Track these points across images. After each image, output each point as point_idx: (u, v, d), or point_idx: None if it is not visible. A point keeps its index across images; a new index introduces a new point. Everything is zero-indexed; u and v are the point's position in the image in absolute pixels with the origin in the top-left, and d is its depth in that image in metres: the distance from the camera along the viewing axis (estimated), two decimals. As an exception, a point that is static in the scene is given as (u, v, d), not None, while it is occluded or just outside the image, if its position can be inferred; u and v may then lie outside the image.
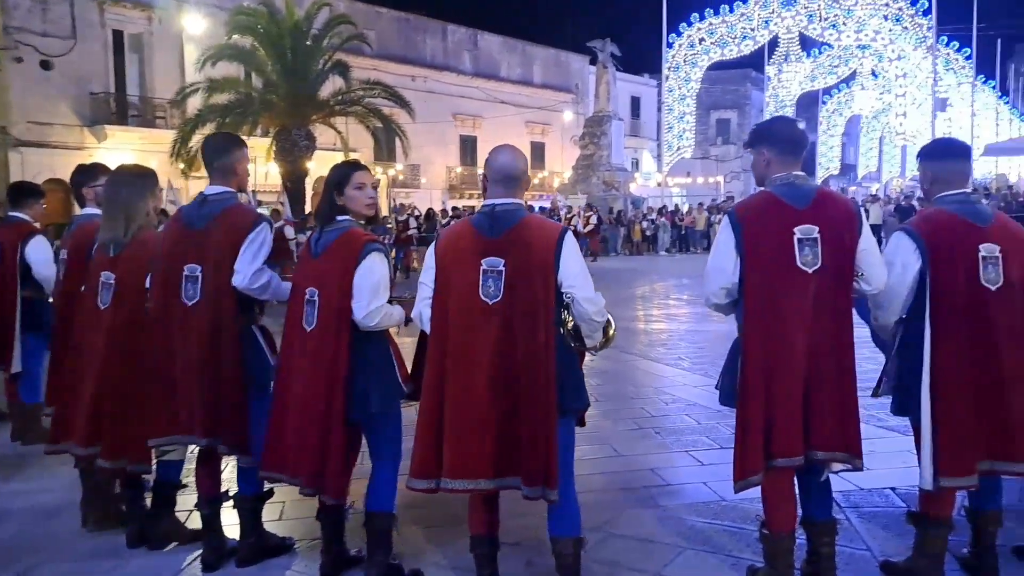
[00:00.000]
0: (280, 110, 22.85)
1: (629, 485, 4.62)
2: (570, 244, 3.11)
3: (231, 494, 3.77)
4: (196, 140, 22.25)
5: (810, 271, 3.07)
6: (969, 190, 3.39)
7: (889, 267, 3.28)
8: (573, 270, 3.09)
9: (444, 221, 24.68)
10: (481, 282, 3.07)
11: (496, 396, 3.04)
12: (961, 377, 3.19)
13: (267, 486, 3.70)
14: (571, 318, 3.16)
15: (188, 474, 4.07)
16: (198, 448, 3.70)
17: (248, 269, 3.52)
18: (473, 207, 28.56)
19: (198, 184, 26.56)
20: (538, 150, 41.38)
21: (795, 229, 3.08)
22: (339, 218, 3.45)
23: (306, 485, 3.35)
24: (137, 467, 3.84)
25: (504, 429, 3.04)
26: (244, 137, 18.39)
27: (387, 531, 3.46)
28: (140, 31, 26.71)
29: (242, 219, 3.61)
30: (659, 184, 38.31)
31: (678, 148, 36.53)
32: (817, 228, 3.08)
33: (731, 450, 5.10)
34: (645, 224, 30.39)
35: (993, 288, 3.20)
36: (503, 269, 3.06)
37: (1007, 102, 52.33)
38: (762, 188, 3.29)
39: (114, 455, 3.79)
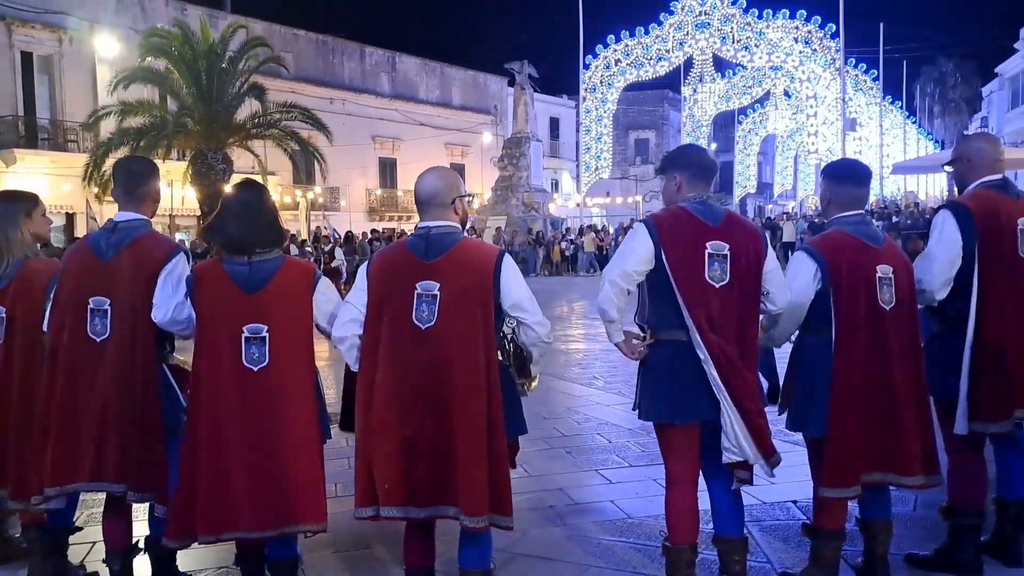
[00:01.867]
0: (196, 133, 22.41)
1: (537, 505, 4.57)
2: (509, 267, 3.09)
3: (140, 544, 3.52)
4: (110, 164, 21.65)
5: (717, 286, 3.10)
6: (863, 211, 3.48)
7: (790, 282, 3.34)
8: (518, 294, 3.08)
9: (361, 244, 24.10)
10: (415, 306, 3.01)
11: (432, 423, 2.97)
12: (855, 393, 3.25)
13: None
14: (510, 346, 3.17)
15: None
16: (104, 496, 3.44)
17: (169, 303, 3.23)
18: (393, 229, 28.40)
19: (112, 209, 25.83)
20: (458, 171, 41.08)
21: (707, 244, 3.13)
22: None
23: (310, 522, 3.10)
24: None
25: (439, 456, 2.97)
26: (159, 161, 17.91)
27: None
28: (50, 52, 25.86)
29: (156, 249, 3.37)
30: (578, 205, 38.71)
31: (596, 168, 37.01)
32: (728, 245, 3.13)
33: (639, 468, 5.25)
34: (564, 244, 30.60)
35: (888, 308, 3.30)
36: (438, 293, 3.01)
37: (914, 122, 54.64)
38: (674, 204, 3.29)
39: (20, 495, 3.49)
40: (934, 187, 47.15)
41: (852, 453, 3.24)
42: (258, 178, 24.24)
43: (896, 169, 34.69)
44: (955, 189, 4.02)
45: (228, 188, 21.23)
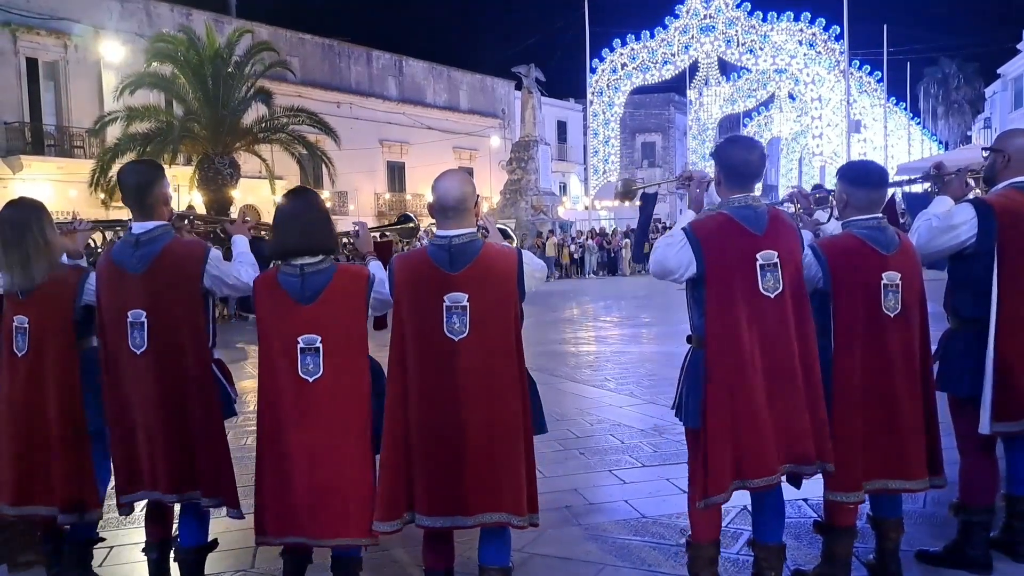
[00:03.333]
0: (202, 138, 22.49)
1: (552, 506, 4.62)
2: (527, 263, 3.14)
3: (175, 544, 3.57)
4: (116, 169, 21.72)
5: (772, 296, 3.12)
6: (880, 215, 3.41)
7: None
8: (536, 277, 3.18)
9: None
10: (445, 319, 3.02)
11: (473, 432, 3.00)
12: (855, 398, 3.29)
13: (211, 537, 3.56)
14: None
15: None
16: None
17: (243, 267, 3.43)
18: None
19: (118, 215, 26.04)
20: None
21: (757, 255, 3.12)
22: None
23: (358, 536, 3.12)
24: (71, 517, 3.54)
25: (483, 464, 3.00)
26: (165, 166, 17.92)
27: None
28: (55, 59, 25.98)
29: (189, 258, 3.38)
30: (587, 207, 38.80)
31: (604, 172, 37.14)
32: (776, 253, 3.13)
33: (652, 468, 5.32)
34: (573, 247, 30.65)
35: (892, 315, 3.30)
36: (467, 304, 3.01)
37: (918, 123, 54.64)
38: (718, 210, 3.26)
39: (72, 509, 3.51)
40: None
41: (853, 458, 3.28)
42: (265, 183, 24.50)
43: (901, 170, 34.69)
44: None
45: (235, 192, 21.26)
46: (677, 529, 4.14)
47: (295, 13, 44.45)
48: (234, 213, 24.92)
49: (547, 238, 30.49)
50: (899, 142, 46.77)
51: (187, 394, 3.34)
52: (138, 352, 3.33)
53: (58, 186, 24.94)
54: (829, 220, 3.89)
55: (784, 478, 3.24)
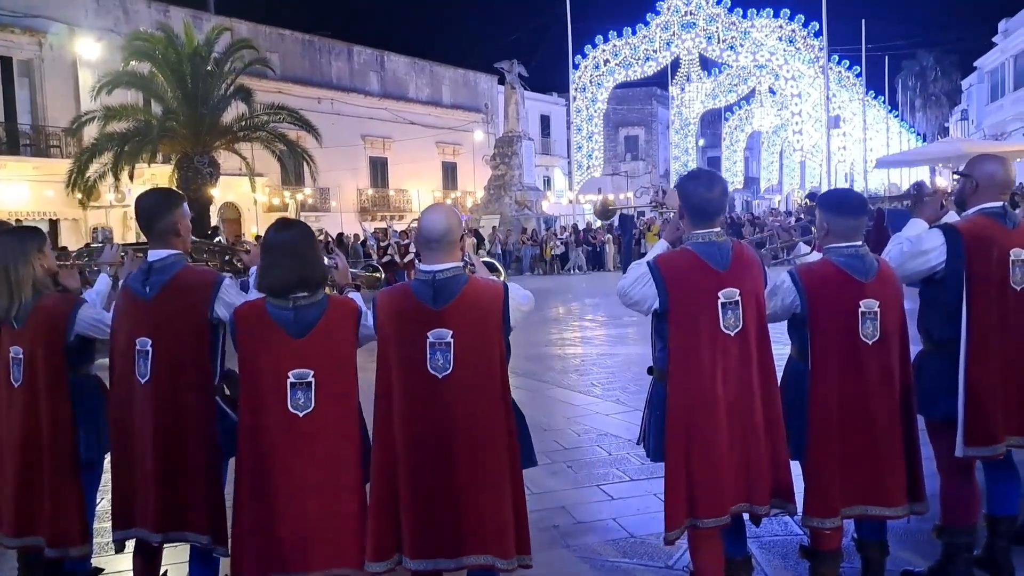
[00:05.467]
0: (181, 137, 22.36)
1: (541, 525, 4.63)
2: (513, 297, 3.13)
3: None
4: (93, 169, 21.61)
5: (732, 333, 3.15)
6: (859, 243, 3.45)
7: (770, 297, 3.43)
8: (522, 310, 3.17)
9: (386, 243, 23.86)
10: (429, 356, 3.00)
11: (457, 472, 2.99)
12: (831, 425, 3.34)
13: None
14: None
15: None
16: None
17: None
18: (385, 229, 28.25)
19: (96, 215, 25.83)
20: (450, 170, 41.48)
21: (719, 293, 3.15)
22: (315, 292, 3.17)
23: (351, 566, 3.06)
24: (58, 551, 3.52)
25: (467, 505, 2.99)
26: (144, 165, 17.70)
27: None
28: (30, 57, 25.62)
29: (199, 286, 3.35)
30: (571, 202, 38.85)
31: (588, 167, 37.21)
32: (738, 291, 3.17)
33: (639, 482, 5.35)
34: (557, 243, 30.54)
35: (870, 342, 3.34)
36: (451, 341, 2.99)
37: (896, 115, 55.05)
38: (683, 246, 3.32)
39: (60, 543, 3.49)
40: (917, 179, 47.53)
41: (830, 486, 3.34)
42: (245, 180, 24.30)
43: (880, 163, 35.01)
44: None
45: (215, 191, 20.99)
46: (665, 550, 4.15)
47: (275, 8, 44.26)
48: (214, 212, 24.83)
49: (544, 238, 30.25)
50: (877, 135, 47.10)
51: (185, 428, 3.29)
52: (142, 381, 3.30)
53: (34, 186, 24.71)
54: (812, 252, 3.93)
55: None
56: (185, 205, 3.52)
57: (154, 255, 3.39)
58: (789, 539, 4.25)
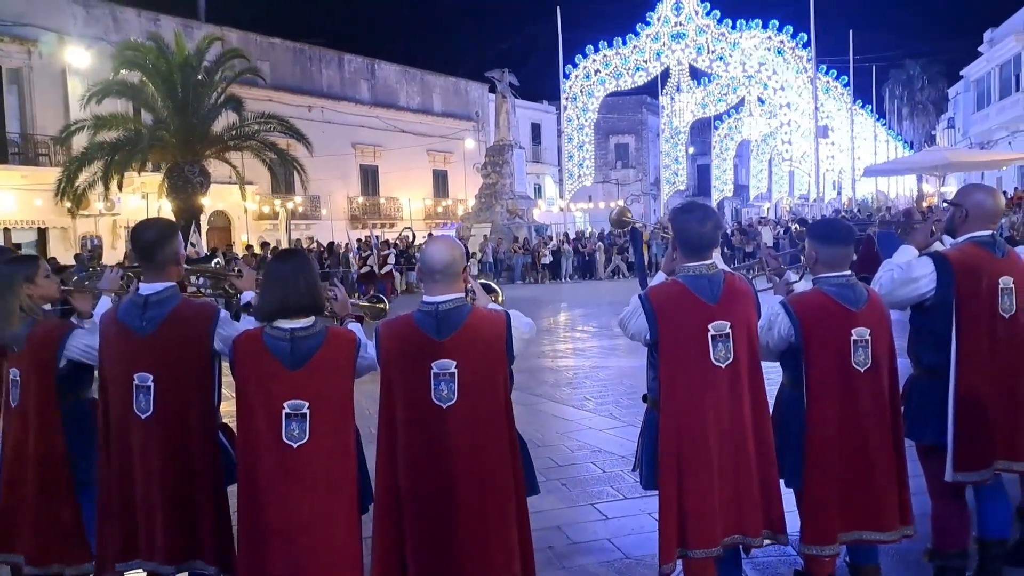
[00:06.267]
0: (172, 146, 22.36)
1: (536, 546, 4.58)
2: (516, 326, 3.16)
3: None
4: (83, 178, 21.55)
5: (723, 366, 3.19)
6: (848, 272, 3.51)
7: (767, 332, 3.49)
8: (524, 339, 3.21)
9: (367, 253, 23.81)
10: (433, 386, 3.01)
11: (461, 503, 3.00)
12: (828, 453, 3.39)
13: None
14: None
15: None
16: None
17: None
18: (377, 236, 28.24)
19: (85, 223, 25.73)
20: (440, 178, 41.49)
21: (709, 326, 3.19)
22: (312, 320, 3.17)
23: None
24: (33, 569, 3.55)
25: (473, 536, 3.00)
26: (134, 174, 17.58)
27: None
28: (19, 65, 25.53)
29: (200, 314, 3.38)
30: (562, 210, 38.93)
31: (579, 175, 37.31)
32: (729, 323, 3.21)
33: (633, 500, 5.37)
34: (547, 251, 30.31)
35: (862, 370, 3.41)
36: (455, 371, 3.01)
37: (884, 124, 55.40)
38: (673, 278, 3.37)
39: (42, 560, 3.54)
40: (904, 188, 47.86)
41: (828, 513, 3.39)
42: (235, 188, 24.26)
43: (868, 172, 35.23)
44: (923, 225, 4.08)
45: (205, 200, 20.81)
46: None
47: (266, 17, 44.20)
48: (204, 221, 24.65)
49: (536, 247, 30.14)
50: (865, 143, 47.39)
51: (192, 461, 3.32)
52: (143, 416, 3.30)
53: (23, 195, 24.60)
54: (801, 279, 3.98)
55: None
56: (180, 235, 3.56)
57: (149, 288, 3.40)
58: (783, 560, 4.28)
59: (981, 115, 37.51)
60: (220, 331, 3.36)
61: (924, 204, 28.40)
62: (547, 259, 29.54)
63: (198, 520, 3.30)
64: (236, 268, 3.89)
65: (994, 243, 3.69)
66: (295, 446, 3.04)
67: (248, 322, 3.46)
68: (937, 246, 3.91)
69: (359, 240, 26.22)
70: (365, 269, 22.48)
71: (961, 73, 42.61)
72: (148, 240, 3.43)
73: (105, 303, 3.90)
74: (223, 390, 3.55)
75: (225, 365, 3.40)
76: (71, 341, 3.59)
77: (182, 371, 3.33)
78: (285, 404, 3.04)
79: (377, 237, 27.10)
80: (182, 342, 3.33)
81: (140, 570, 3.47)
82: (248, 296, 3.65)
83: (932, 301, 3.63)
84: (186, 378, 3.33)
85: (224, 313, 3.42)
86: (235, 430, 3.45)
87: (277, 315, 3.14)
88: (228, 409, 3.32)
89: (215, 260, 14.35)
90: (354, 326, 3.44)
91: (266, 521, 3.05)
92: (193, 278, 3.99)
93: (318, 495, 3.07)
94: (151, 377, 3.30)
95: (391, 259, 23.67)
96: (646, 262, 28.15)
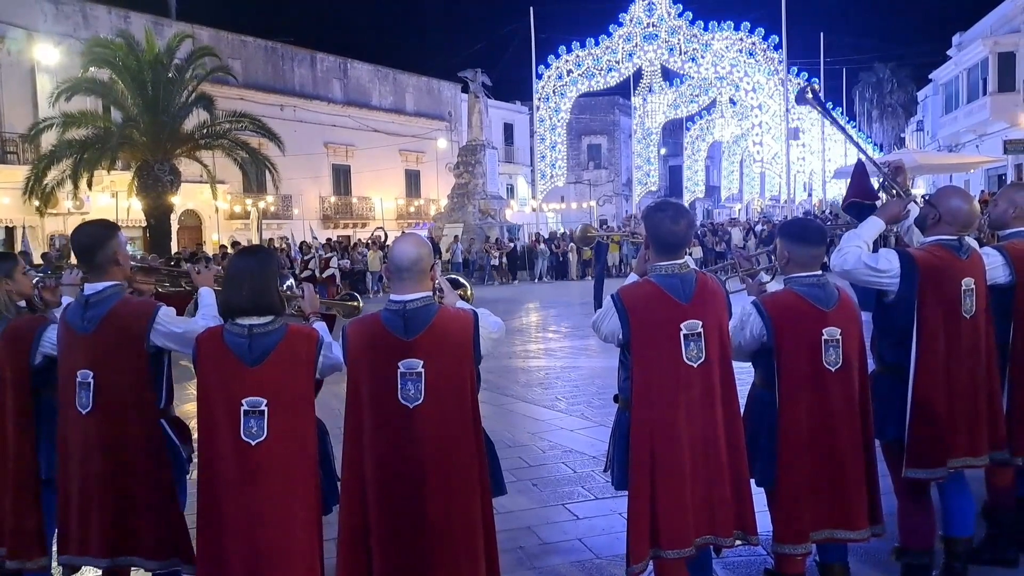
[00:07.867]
0: (141, 145, 22.12)
1: (506, 547, 4.64)
2: (483, 326, 3.15)
3: None
4: (52, 176, 21.27)
5: (695, 365, 3.19)
6: (819, 272, 3.55)
7: (739, 331, 3.51)
8: (492, 339, 3.19)
9: (309, 256, 23.44)
10: (399, 385, 3.00)
11: (428, 504, 2.99)
12: (799, 452, 3.43)
13: None
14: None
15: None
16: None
17: (200, 323, 3.38)
18: (348, 236, 28.06)
19: (54, 222, 25.36)
20: (413, 178, 41.38)
21: (681, 325, 3.19)
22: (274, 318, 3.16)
23: None
24: (17, 564, 3.60)
25: (439, 537, 2.99)
26: (103, 172, 17.42)
27: None
28: (-14, 61, 25.16)
29: (136, 318, 3.38)
30: (534, 210, 38.98)
31: (551, 176, 37.38)
32: (701, 323, 3.21)
33: (604, 501, 5.39)
34: (496, 253, 29.70)
35: (833, 369, 3.44)
36: (422, 371, 3.00)
37: (854, 125, 56.02)
38: (646, 277, 3.36)
39: (17, 556, 3.59)
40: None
41: (800, 512, 3.42)
42: (206, 187, 24.02)
43: (838, 174, 35.55)
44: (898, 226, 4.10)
45: (175, 199, 20.52)
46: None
47: (237, 15, 43.82)
48: (174, 220, 24.41)
49: (488, 248, 29.88)
50: (835, 145, 47.89)
51: (132, 455, 3.34)
52: (83, 412, 3.35)
53: (-10, 193, 24.22)
54: (772, 280, 4.01)
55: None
56: (121, 234, 3.55)
57: (91, 288, 3.43)
58: (754, 559, 4.31)
59: (949, 118, 38.00)
60: (158, 327, 3.36)
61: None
62: (495, 260, 29.12)
63: (136, 515, 3.33)
64: (196, 269, 3.87)
65: (960, 246, 3.73)
66: (253, 443, 3.03)
67: (208, 319, 3.45)
68: (912, 237, 3.95)
69: (303, 244, 25.68)
70: (306, 272, 21.96)
71: (930, 76, 43.16)
72: (85, 243, 3.46)
73: (67, 302, 3.88)
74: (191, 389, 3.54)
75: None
76: (46, 336, 3.62)
77: (120, 368, 3.35)
78: (243, 401, 3.04)
79: (316, 238, 26.80)
80: (120, 339, 3.36)
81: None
82: (207, 295, 3.63)
83: (894, 298, 3.67)
84: (124, 375, 3.35)
85: (165, 310, 3.40)
86: (191, 426, 3.51)
87: (236, 312, 3.14)
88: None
89: (199, 259, 14.13)
90: (319, 325, 3.43)
91: (225, 517, 3.05)
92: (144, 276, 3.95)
93: (276, 492, 3.05)
94: (91, 374, 3.34)
95: (333, 262, 23.29)
96: (618, 261, 28.26)
